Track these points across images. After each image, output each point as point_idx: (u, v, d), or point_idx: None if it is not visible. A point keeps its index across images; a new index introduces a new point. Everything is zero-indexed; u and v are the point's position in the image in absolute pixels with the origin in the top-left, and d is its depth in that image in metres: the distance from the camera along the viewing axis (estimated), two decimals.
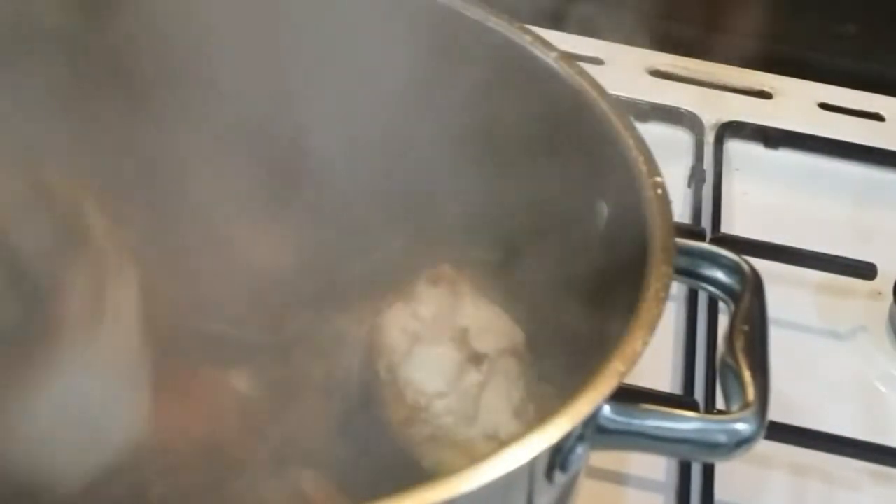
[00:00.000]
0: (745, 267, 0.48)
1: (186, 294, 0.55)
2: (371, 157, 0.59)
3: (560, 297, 0.52)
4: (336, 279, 0.57)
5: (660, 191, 0.48)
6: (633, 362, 0.41)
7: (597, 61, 0.88)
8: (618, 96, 0.53)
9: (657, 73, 0.90)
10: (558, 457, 0.41)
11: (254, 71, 0.58)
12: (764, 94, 0.90)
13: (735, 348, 0.44)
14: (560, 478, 0.42)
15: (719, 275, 0.49)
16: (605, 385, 0.40)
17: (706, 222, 0.76)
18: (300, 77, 0.59)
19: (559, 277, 0.53)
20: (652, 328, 0.42)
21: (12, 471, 0.45)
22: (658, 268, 0.44)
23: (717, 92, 0.89)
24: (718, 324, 0.68)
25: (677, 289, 0.70)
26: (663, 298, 0.43)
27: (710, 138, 0.84)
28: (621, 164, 0.50)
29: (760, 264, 0.50)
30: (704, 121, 0.85)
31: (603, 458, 0.60)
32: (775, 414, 0.43)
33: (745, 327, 0.45)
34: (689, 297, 0.70)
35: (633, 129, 0.51)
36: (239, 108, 0.58)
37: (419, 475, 0.46)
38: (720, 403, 0.46)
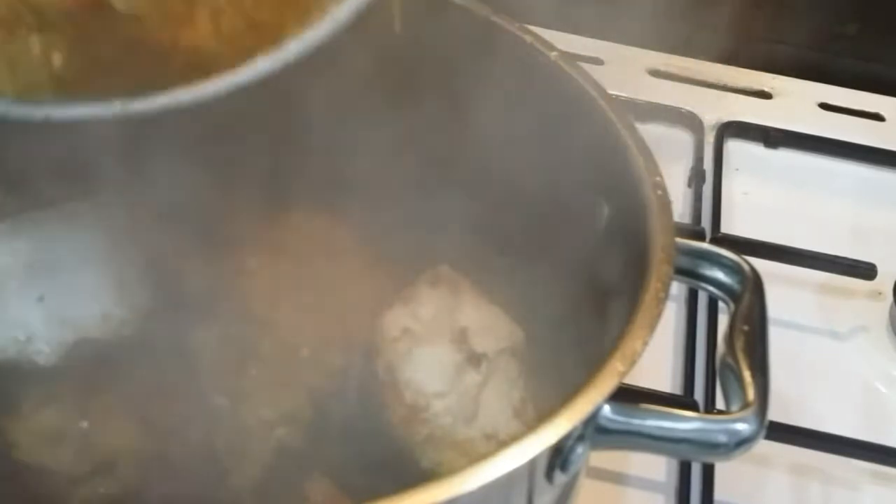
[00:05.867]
0: (745, 267, 0.48)
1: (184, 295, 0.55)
2: (371, 156, 0.59)
3: (560, 297, 0.52)
4: (335, 279, 0.57)
5: (660, 191, 0.48)
6: (632, 362, 0.41)
7: (597, 61, 0.88)
8: (618, 96, 0.53)
9: (657, 73, 0.90)
10: (558, 457, 0.41)
11: None
12: (764, 94, 0.89)
13: (735, 348, 0.44)
14: (560, 478, 0.42)
15: (719, 275, 0.49)
16: (604, 385, 0.40)
17: (706, 222, 0.76)
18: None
19: (559, 277, 0.52)
20: (652, 328, 0.42)
21: None
22: (658, 268, 0.44)
23: (717, 92, 0.89)
24: (718, 324, 0.68)
25: (677, 289, 0.70)
26: (663, 298, 0.43)
27: (710, 138, 0.83)
28: (621, 164, 0.50)
29: (760, 264, 0.50)
30: (704, 121, 0.84)
31: (603, 458, 0.60)
32: (775, 414, 0.43)
33: (745, 327, 0.45)
34: (689, 297, 0.70)
35: (633, 129, 0.51)
36: None
37: (419, 475, 0.46)
38: (720, 403, 0.46)
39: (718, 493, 0.59)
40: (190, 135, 0.53)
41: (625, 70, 0.88)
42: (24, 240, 0.52)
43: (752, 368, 0.43)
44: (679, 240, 0.47)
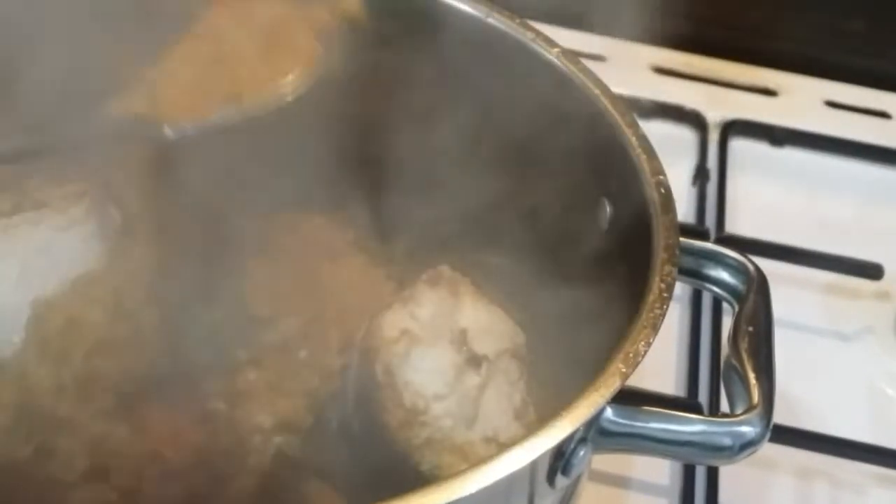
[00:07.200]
0: (750, 267, 0.48)
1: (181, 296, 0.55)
2: (371, 156, 0.59)
3: (561, 297, 0.51)
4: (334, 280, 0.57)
5: (663, 190, 0.48)
6: (635, 363, 0.41)
7: (599, 58, 0.87)
8: (620, 94, 0.53)
9: (661, 70, 0.89)
10: (560, 460, 0.41)
11: None
12: (769, 92, 0.89)
13: (740, 350, 0.44)
14: (562, 481, 0.42)
15: (724, 275, 0.49)
16: (607, 387, 0.40)
17: (710, 222, 0.75)
18: None
19: (560, 278, 0.52)
20: (655, 329, 0.42)
21: None
22: (661, 268, 0.44)
23: (721, 89, 0.88)
24: (723, 325, 0.67)
25: (681, 289, 0.70)
26: (667, 299, 0.43)
27: (714, 136, 0.83)
28: (624, 162, 0.50)
29: (765, 264, 0.49)
30: (709, 119, 0.84)
31: (605, 462, 0.59)
32: (780, 416, 0.43)
33: (750, 328, 0.45)
34: (693, 298, 0.70)
35: (636, 128, 0.51)
36: None
37: (418, 479, 0.45)
38: (724, 406, 0.46)
39: (723, 497, 0.59)
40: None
41: (628, 67, 0.88)
42: (21, 240, 0.52)
43: (756, 370, 0.43)
44: (683, 239, 0.47)
